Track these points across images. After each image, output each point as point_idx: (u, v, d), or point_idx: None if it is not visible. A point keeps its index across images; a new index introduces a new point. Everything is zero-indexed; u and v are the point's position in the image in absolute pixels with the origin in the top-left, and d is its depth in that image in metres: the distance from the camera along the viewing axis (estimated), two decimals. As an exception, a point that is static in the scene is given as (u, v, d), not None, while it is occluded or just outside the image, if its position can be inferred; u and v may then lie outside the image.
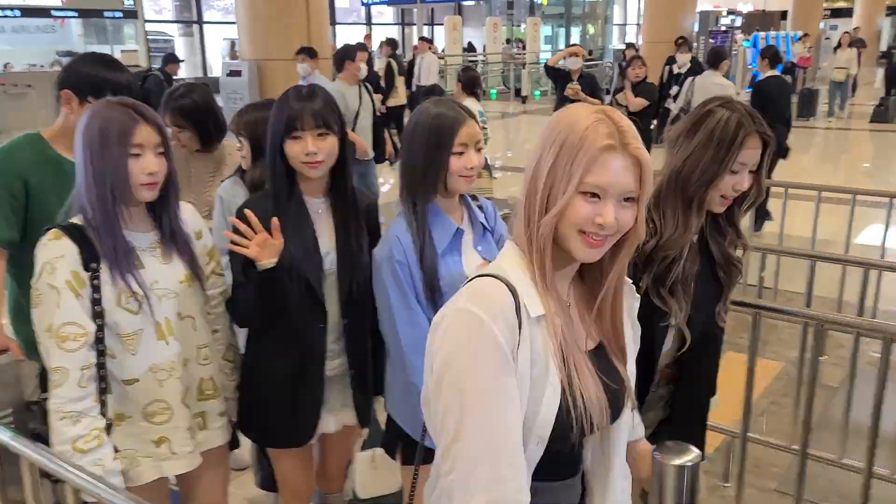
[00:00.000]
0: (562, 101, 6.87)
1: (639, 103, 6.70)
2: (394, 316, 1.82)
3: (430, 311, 1.81)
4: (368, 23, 26.80)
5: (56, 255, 1.62)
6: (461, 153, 1.81)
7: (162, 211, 1.76)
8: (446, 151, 1.80)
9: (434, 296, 1.82)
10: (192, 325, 1.83)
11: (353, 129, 5.31)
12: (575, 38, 25.72)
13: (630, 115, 6.22)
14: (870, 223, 4.31)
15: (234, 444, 2.06)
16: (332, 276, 1.95)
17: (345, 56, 5.71)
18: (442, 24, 21.91)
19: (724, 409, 2.26)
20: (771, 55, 6.64)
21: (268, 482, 2.41)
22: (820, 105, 14.37)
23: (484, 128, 5.93)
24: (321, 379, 2.00)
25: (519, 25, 24.88)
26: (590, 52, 11.70)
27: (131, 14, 17.31)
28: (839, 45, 14.53)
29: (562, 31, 25.67)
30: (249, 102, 2.87)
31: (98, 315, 1.65)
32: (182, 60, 11.23)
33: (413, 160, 1.85)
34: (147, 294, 1.69)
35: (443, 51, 20.88)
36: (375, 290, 1.87)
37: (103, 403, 1.70)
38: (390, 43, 11.04)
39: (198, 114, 2.70)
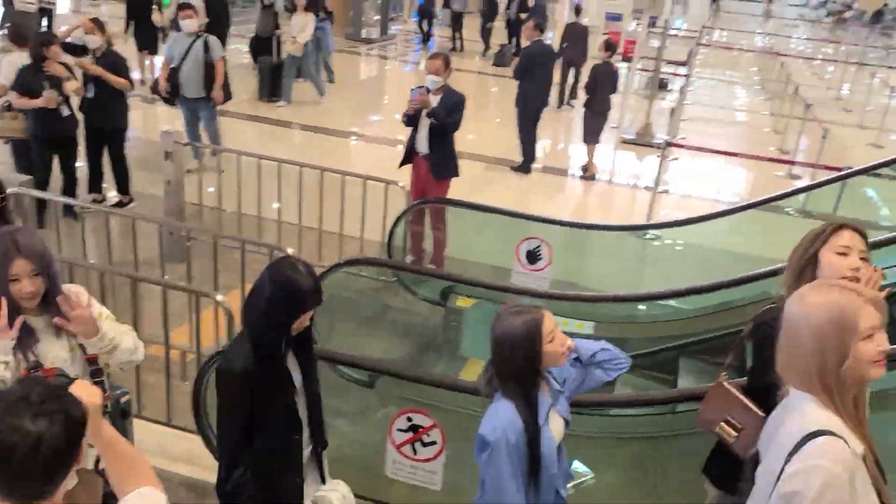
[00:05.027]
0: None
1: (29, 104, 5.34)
2: None
3: (527, 486, 2.00)
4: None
5: None
6: (551, 340, 2.02)
7: (46, 303, 2.33)
8: (537, 357, 2.01)
9: (537, 469, 2.01)
10: None
11: None
12: None
13: None
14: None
15: None
16: (301, 393, 2.39)
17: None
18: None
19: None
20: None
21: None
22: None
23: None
24: (301, 472, 2.41)
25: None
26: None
27: None
28: (294, 8, 10.17)
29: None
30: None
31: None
32: None
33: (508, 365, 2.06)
34: (41, 362, 2.27)
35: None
36: (487, 472, 2.02)
37: None
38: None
39: None
